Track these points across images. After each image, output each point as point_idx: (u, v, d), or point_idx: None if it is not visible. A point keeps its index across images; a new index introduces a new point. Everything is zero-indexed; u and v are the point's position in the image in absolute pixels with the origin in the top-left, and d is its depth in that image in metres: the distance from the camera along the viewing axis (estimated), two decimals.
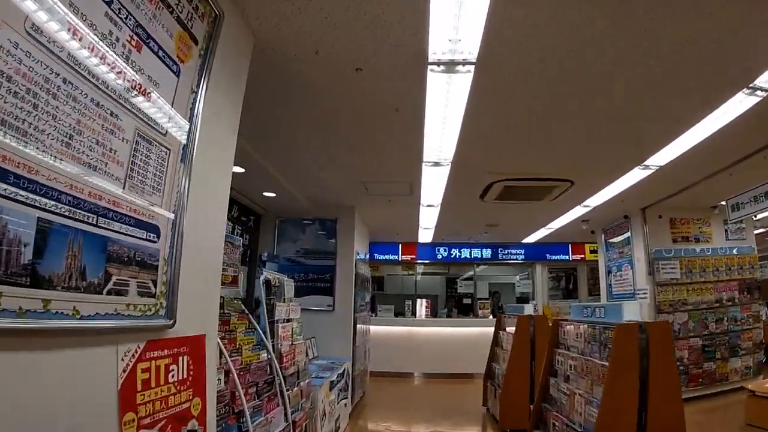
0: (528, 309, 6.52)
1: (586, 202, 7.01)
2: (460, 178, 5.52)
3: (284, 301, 3.83)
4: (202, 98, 2.02)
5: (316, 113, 3.89)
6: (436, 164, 4.97)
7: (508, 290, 13.62)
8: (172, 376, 1.79)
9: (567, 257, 11.38)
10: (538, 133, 4.27)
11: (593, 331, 3.81)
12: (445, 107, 3.61)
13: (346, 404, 5.90)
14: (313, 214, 7.31)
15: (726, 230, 8.13)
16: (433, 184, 5.81)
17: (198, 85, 2.02)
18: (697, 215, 8.06)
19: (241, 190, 6.28)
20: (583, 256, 11.40)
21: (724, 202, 7.54)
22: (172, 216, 1.82)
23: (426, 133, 4.20)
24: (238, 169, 5.23)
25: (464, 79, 3.18)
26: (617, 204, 7.17)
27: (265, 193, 6.48)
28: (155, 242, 1.71)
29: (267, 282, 3.71)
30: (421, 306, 10.80)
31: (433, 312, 11.45)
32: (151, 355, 1.68)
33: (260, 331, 3.49)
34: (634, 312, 3.82)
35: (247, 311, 3.50)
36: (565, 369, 4.18)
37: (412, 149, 4.58)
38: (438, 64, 2.99)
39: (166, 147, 1.80)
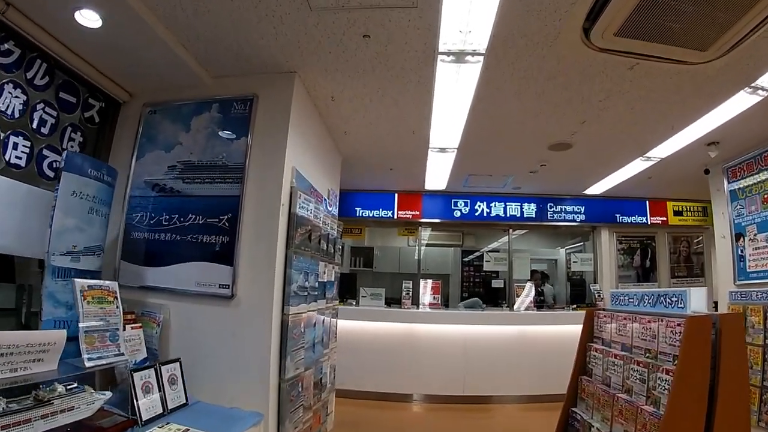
0: (698, 298, 2.75)
1: None
2: None
3: None
4: None
5: None
6: None
7: (550, 269, 9.84)
8: None
9: (644, 219, 7.59)
10: None
11: None
12: None
13: None
14: (212, 93, 3.49)
15: None
16: None
17: None
18: None
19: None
20: (664, 218, 7.63)
21: None
22: None
23: None
24: None
25: None
26: None
27: (81, 16, 2.68)
28: None
29: None
30: (425, 290, 7.01)
31: (444, 299, 7.69)
32: None
33: None
34: None
35: None
36: None
37: None
38: None
39: None
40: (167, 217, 3.32)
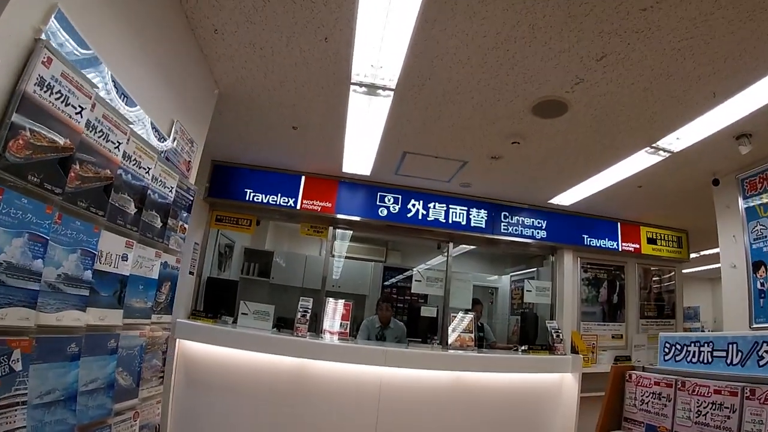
0: None
1: None
2: None
3: None
4: None
5: None
6: None
7: (487, 298, 8.32)
8: None
9: (614, 244, 6.23)
10: None
11: None
12: None
13: None
14: None
15: None
16: None
17: None
18: None
19: None
20: (637, 246, 6.37)
21: None
22: None
23: None
24: None
25: None
26: None
27: None
28: None
29: None
30: (334, 313, 5.23)
31: (355, 327, 5.95)
32: None
33: None
34: None
35: None
36: None
37: None
38: None
39: None
40: None
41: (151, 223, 2.46)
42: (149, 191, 2.40)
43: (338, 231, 5.85)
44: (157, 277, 2.54)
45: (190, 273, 5.12)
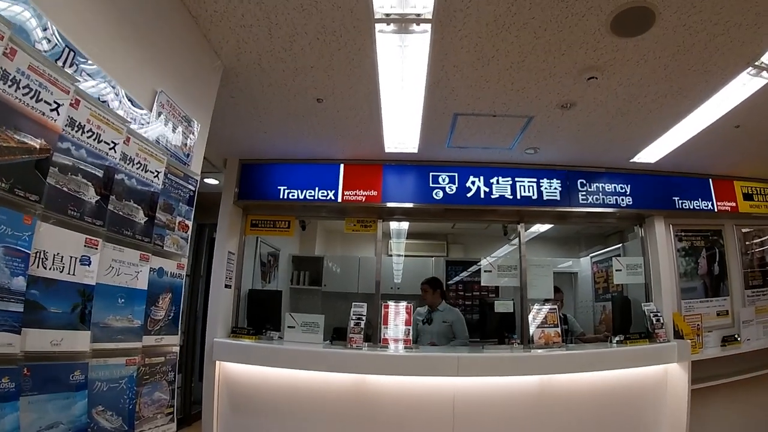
0: None
1: None
2: None
3: None
4: None
5: None
6: None
7: (565, 285, 7.47)
8: None
9: (708, 205, 5.26)
10: None
11: None
12: None
13: None
14: None
15: None
16: None
17: None
18: None
19: None
20: (733, 204, 5.37)
21: None
22: None
23: None
24: None
25: None
26: None
27: None
28: None
29: None
30: (396, 317, 4.59)
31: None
32: None
33: None
34: None
35: None
36: None
37: None
38: None
39: None
40: None
41: (129, 216, 1.91)
42: (120, 174, 1.86)
43: (391, 225, 5.23)
44: (145, 287, 1.99)
45: (227, 286, 4.64)
